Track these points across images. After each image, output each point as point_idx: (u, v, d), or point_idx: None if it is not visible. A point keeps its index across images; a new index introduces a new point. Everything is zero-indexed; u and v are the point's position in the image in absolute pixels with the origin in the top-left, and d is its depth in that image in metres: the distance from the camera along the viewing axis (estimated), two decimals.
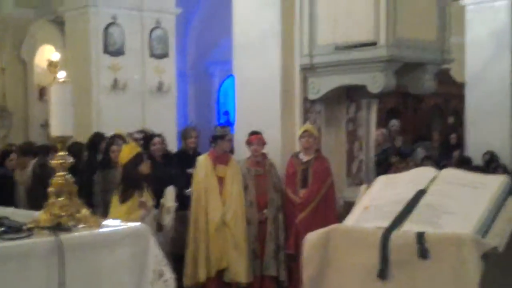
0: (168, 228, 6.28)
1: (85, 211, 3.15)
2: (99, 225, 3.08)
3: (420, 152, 12.17)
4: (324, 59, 8.02)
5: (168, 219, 6.10)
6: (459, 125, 13.70)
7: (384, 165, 10.34)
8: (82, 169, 7.80)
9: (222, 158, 7.42)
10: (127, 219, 5.48)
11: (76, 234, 2.97)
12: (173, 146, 9.59)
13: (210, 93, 16.51)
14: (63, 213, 3.07)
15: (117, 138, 7.37)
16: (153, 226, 5.92)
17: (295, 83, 8.28)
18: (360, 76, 7.83)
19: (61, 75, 3.41)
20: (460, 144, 12.21)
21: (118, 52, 10.59)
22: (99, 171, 7.07)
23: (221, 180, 7.31)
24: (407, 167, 9.43)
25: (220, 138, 7.39)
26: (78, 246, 2.91)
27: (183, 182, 7.70)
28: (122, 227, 3.13)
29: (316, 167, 7.48)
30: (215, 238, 7.14)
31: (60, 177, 3.28)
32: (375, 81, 7.67)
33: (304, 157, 7.53)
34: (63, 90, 3.40)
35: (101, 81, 10.45)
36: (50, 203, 3.16)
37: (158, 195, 6.15)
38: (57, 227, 2.94)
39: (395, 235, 2.86)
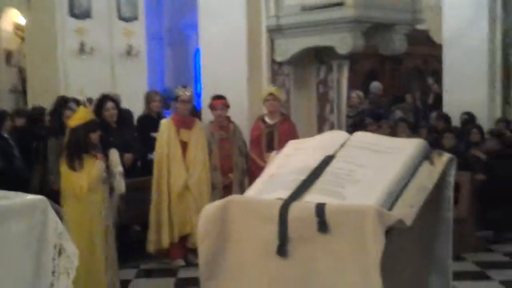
0: (122, 193, 5.97)
1: None
2: None
3: (398, 114, 12.01)
4: (290, 20, 7.82)
5: (121, 186, 5.82)
6: (438, 86, 13.51)
7: (359, 127, 10.19)
8: (43, 135, 7.57)
9: (186, 122, 7.18)
10: (89, 182, 5.28)
11: None
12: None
13: (187, 57, 16.19)
14: None
15: (72, 102, 7.09)
16: (106, 190, 5.69)
17: (262, 45, 8.09)
18: (328, 37, 7.62)
19: None
20: (437, 105, 12.02)
21: (84, 15, 10.29)
22: (52, 137, 6.81)
23: (184, 145, 7.08)
24: (380, 130, 9.28)
25: (175, 100, 7.16)
26: None
27: (143, 146, 7.50)
28: (14, 199, 2.87)
29: (282, 130, 7.27)
30: (177, 203, 6.96)
31: None
32: (344, 42, 7.48)
33: (269, 120, 7.32)
34: None
35: (67, 45, 10.15)
36: None
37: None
38: None
39: (294, 207, 2.59)
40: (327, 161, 2.69)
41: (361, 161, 2.70)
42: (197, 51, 15.80)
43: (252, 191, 2.80)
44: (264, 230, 2.62)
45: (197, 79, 15.83)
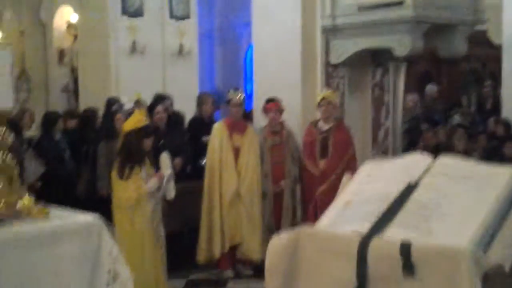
0: (172, 197, 5.80)
1: (28, 200, 2.72)
2: (45, 216, 2.66)
3: (456, 119, 11.59)
4: (347, 20, 7.58)
5: (171, 190, 5.65)
6: (496, 90, 13.03)
7: (414, 133, 9.83)
8: (93, 138, 7.47)
9: (239, 126, 6.99)
10: (135, 197, 5.13)
11: (8, 229, 2.53)
12: (194, 111, 9.15)
13: (238, 56, 15.99)
14: (0, 202, 2.65)
15: (121, 105, 6.97)
16: (159, 200, 5.54)
17: (317, 46, 7.87)
18: (386, 38, 7.37)
19: None
20: (496, 110, 11.56)
21: (136, 13, 10.14)
22: (103, 141, 6.68)
23: (237, 150, 6.88)
24: (436, 136, 8.93)
25: (227, 103, 6.98)
26: (10, 244, 2.49)
27: (195, 151, 7.33)
28: (69, 220, 2.69)
29: (336, 136, 7.02)
30: (229, 211, 6.76)
31: None
32: (402, 44, 7.21)
33: (323, 126, 7.07)
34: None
35: (120, 44, 10.02)
36: None
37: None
38: None
39: (375, 243, 2.31)
40: (409, 189, 2.40)
41: (449, 191, 2.39)
42: (248, 50, 15.62)
43: (326, 221, 2.53)
44: (340, 268, 2.34)
45: (247, 79, 15.65)
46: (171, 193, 5.76)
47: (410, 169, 2.53)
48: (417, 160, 2.58)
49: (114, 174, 5.27)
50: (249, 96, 11.29)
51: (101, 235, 2.69)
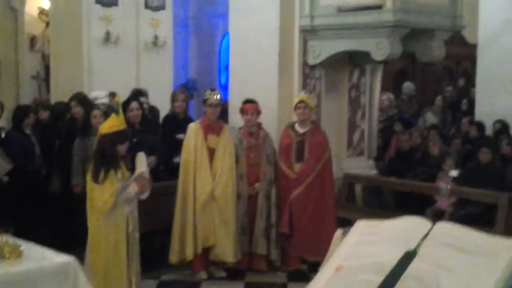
0: (146, 197, 5.65)
1: (1, 239, 2.60)
2: (18, 257, 2.54)
3: (430, 117, 11.60)
4: (325, 21, 7.51)
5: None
6: (468, 89, 13.08)
7: (387, 134, 9.80)
8: (64, 133, 7.32)
9: (214, 127, 6.86)
10: (111, 201, 5.02)
11: None
12: (168, 104, 9.00)
13: (212, 46, 15.84)
14: None
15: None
16: (135, 203, 5.43)
17: (294, 45, 7.78)
18: (364, 41, 7.32)
19: None
20: (470, 109, 11.60)
21: (110, 2, 9.95)
22: (78, 139, 6.53)
23: (212, 151, 6.76)
24: (410, 139, 8.92)
25: (203, 103, 6.87)
26: None
27: (170, 149, 7.22)
28: (44, 262, 2.58)
29: (312, 140, 6.95)
30: (202, 214, 6.63)
31: None
32: (380, 48, 7.17)
33: (300, 129, 7.00)
34: None
35: (93, 34, 9.82)
36: None
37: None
38: None
39: None
40: (407, 259, 2.30)
41: (449, 264, 2.28)
42: (222, 40, 15.48)
43: (317, 287, 2.43)
44: None
45: (221, 69, 15.51)
46: (145, 193, 5.64)
47: (407, 234, 2.42)
48: (414, 225, 2.47)
49: (89, 177, 5.14)
50: (224, 87, 11.17)
51: (77, 277, 2.58)
